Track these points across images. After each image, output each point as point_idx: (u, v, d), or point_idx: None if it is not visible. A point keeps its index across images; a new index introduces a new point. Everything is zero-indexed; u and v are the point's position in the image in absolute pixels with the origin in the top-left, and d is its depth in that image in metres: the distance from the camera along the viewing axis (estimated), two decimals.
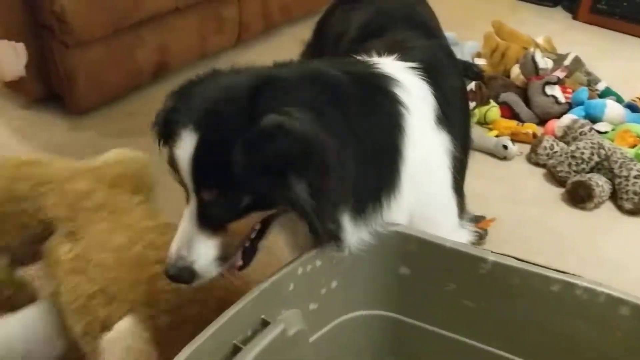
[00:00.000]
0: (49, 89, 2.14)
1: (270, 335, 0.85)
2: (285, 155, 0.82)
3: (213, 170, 0.85)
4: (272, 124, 0.82)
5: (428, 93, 1.06)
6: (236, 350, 0.83)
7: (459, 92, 1.24)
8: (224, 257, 0.90)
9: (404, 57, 1.11)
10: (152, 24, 2.18)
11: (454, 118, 1.13)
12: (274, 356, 0.86)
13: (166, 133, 0.93)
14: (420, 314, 1.01)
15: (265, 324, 0.88)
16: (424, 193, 1.03)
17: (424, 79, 1.07)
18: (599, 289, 0.87)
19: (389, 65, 1.06)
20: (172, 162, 0.89)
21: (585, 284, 0.87)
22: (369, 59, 1.10)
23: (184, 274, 0.88)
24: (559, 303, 0.90)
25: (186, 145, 0.85)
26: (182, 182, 0.89)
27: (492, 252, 0.93)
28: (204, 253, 0.88)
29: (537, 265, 0.91)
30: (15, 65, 1.97)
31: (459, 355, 0.99)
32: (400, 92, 1.00)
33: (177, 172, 0.88)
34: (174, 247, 0.89)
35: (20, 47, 1.97)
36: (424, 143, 1.02)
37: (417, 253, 0.97)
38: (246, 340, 0.85)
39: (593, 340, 0.90)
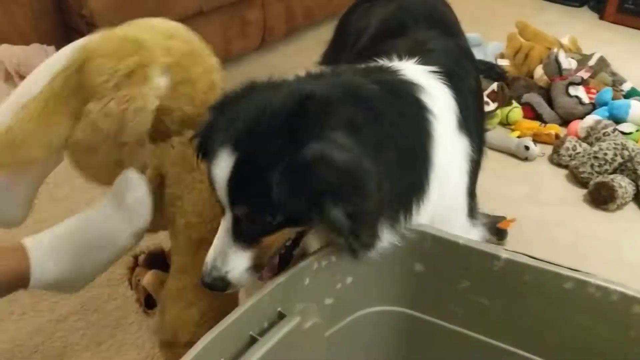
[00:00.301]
0: None
1: (285, 328, 0.88)
2: (326, 185, 0.84)
3: (249, 191, 0.87)
4: (315, 154, 0.83)
5: (450, 98, 1.09)
6: (252, 341, 0.86)
7: (475, 95, 1.25)
8: (256, 267, 0.94)
9: (425, 61, 1.12)
10: None
11: (472, 121, 1.14)
12: (289, 348, 0.88)
13: (205, 148, 0.96)
14: (435, 310, 1.02)
15: (281, 316, 0.90)
16: (444, 197, 1.05)
17: (445, 84, 1.09)
18: (612, 287, 0.87)
19: (412, 70, 1.08)
20: (210, 178, 0.91)
21: (598, 282, 0.88)
22: (391, 64, 1.12)
23: (218, 283, 0.93)
24: (572, 301, 0.90)
25: (223, 164, 0.87)
26: (218, 198, 0.92)
27: (505, 249, 0.94)
28: (237, 265, 0.93)
29: (550, 263, 0.91)
30: None
31: (472, 351, 1.00)
32: (426, 99, 1.02)
33: (213, 188, 0.91)
34: (209, 257, 0.93)
35: (51, 50, 2.03)
36: (448, 149, 1.04)
37: (432, 250, 0.98)
38: (262, 332, 0.87)
39: (606, 339, 0.90)
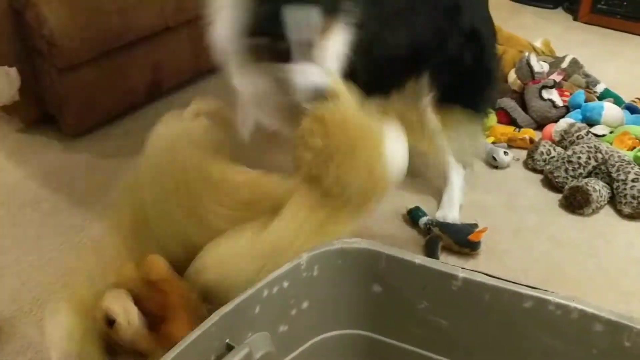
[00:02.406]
0: (44, 112, 2.16)
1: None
2: None
3: None
4: None
5: None
6: None
7: None
8: None
9: None
10: (144, 43, 2.19)
11: None
12: None
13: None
14: (395, 332, 0.99)
15: (229, 348, 0.86)
16: None
17: None
18: (572, 304, 0.84)
19: None
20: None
21: (557, 300, 0.85)
22: None
23: None
24: (532, 320, 0.87)
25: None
26: None
27: (462, 268, 0.91)
28: None
29: (509, 281, 0.88)
30: (9, 90, 1.99)
31: None
32: None
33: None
34: None
35: (13, 71, 1.99)
36: None
37: (388, 270, 0.95)
38: None
39: (569, 357, 0.87)
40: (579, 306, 0.83)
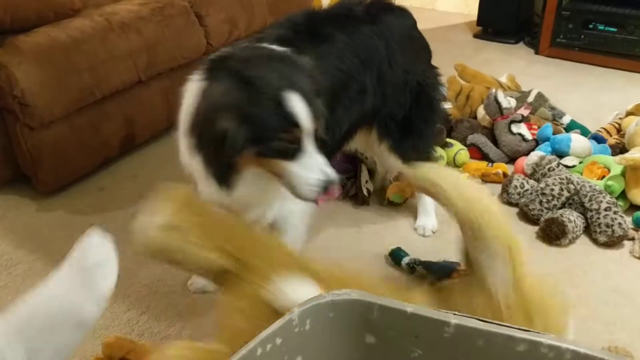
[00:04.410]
0: (17, 171, 2.13)
1: None
2: None
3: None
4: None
5: None
6: None
7: None
8: None
9: None
10: (116, 98, 2.19)
11: None
12: None
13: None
14: None
15: None
16: None
17: None
18: (564, 346, 0.85)
19: None
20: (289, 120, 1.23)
21: (550, 342, 0.85)
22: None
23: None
24: None
25: (299, 101, 1.23)
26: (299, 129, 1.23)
27: (454, 314, 0.91)
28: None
29: (501, 325, 0.89)
30: None
31: None
32: None
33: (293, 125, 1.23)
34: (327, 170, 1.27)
35: None
36: None
37: (380, 320, 0.95)
38: None
39: None
40: (571, 347, 0.84)
